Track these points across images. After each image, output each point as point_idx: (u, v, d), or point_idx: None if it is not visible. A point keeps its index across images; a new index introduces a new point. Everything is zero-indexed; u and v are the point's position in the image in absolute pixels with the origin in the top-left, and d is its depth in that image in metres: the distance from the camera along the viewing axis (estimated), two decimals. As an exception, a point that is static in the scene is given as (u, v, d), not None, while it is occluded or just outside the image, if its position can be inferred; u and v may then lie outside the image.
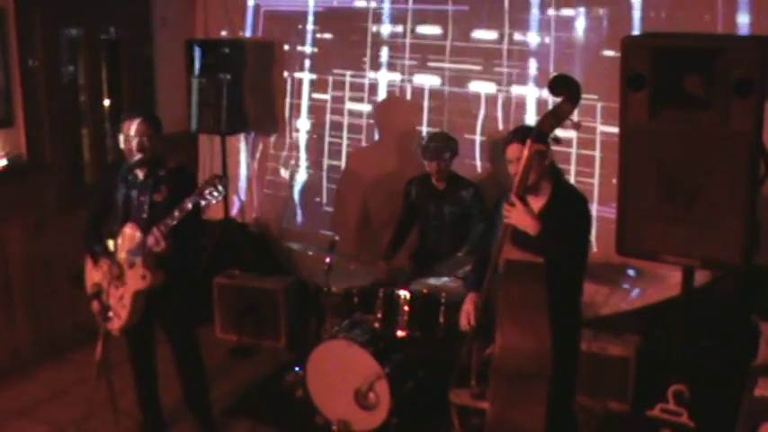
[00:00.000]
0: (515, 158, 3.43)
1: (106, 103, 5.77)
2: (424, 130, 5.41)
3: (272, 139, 6.07)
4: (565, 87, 3.25)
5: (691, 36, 3.72)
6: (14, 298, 5.10)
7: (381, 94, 5.59)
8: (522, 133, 3.47)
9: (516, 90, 5.10)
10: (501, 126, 5.17)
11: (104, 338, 3.87)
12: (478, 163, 5.32)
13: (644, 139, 3.46)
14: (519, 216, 3.31)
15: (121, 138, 3.95)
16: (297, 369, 4.61)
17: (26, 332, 5.18)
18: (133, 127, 3.88)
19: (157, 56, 5.96)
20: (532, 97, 5.05)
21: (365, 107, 5.64)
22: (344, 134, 5.76)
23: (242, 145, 6.18)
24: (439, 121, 5.38)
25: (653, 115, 3.40)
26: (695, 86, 3.31)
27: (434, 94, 5.39)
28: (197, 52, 5.63)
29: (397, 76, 5.51)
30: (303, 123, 5.94)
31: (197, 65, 5.63)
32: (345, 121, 5.74)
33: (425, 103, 5.42)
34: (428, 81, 5.39)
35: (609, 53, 4.68)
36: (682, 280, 3.82)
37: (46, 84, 5.17)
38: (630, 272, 4.88)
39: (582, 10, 4.83)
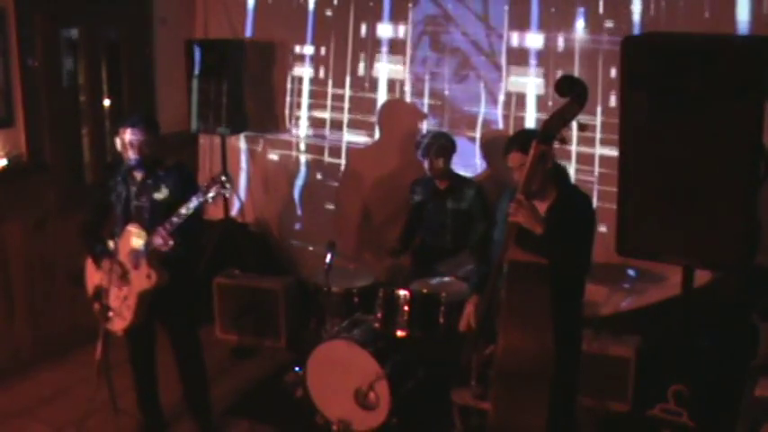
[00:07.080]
0: (518, 166, 3.37)
1: (106, 103, 5.76)
2: (425, 129, 5.40)
3: (272, 139, 6.07)
4: (571, 88, 3.21)
5: (691, 36, 3.72)
6: (14, 298, 5.10)
7: (382, 89, 5.58)
8: (521, 140, 3.40)
9: (516, 88, 5.10)
10: (501, 125, 5.17)
11: (104, 339, 3.88)
12: (479, 163, 5.32)
13: (644, 139, 3.46)
14: (527, 215, 3.25)
15: (119, 142, 3.96)
16: (297, 369, 4.61)
17: (26, 332, 5.17)
18: (132, 135, 3.89)
19: (157, 56, 5.95)
20: (532, 95, 5.05)
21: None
22: (344, 133, 5.77)
23: (242, 145, 6.18)
24: (439, 121, 5.38)
25: (653, 115, 3.40)
26: (695, 86, 3.32)
27: (434, 92, 5.38)
28: (197, 52, 5.62)
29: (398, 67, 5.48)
30: (303, 122, 5.94)
31: (197, 65, 5.63)
32: (345, 119, 5.75)
33: (425, 102, 5.43)
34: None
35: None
36: (682, 280, 3.83)
37: (46, 84, 5.16)
38: (630, 272, 4.88)
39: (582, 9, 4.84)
